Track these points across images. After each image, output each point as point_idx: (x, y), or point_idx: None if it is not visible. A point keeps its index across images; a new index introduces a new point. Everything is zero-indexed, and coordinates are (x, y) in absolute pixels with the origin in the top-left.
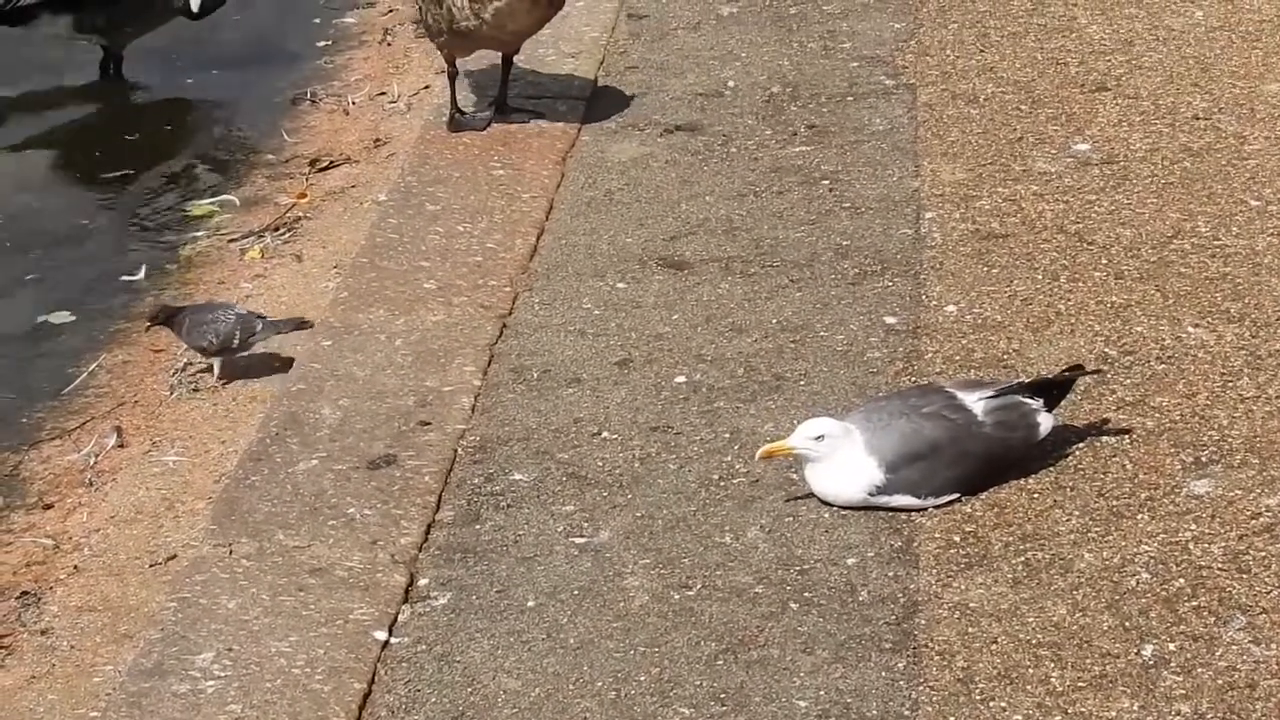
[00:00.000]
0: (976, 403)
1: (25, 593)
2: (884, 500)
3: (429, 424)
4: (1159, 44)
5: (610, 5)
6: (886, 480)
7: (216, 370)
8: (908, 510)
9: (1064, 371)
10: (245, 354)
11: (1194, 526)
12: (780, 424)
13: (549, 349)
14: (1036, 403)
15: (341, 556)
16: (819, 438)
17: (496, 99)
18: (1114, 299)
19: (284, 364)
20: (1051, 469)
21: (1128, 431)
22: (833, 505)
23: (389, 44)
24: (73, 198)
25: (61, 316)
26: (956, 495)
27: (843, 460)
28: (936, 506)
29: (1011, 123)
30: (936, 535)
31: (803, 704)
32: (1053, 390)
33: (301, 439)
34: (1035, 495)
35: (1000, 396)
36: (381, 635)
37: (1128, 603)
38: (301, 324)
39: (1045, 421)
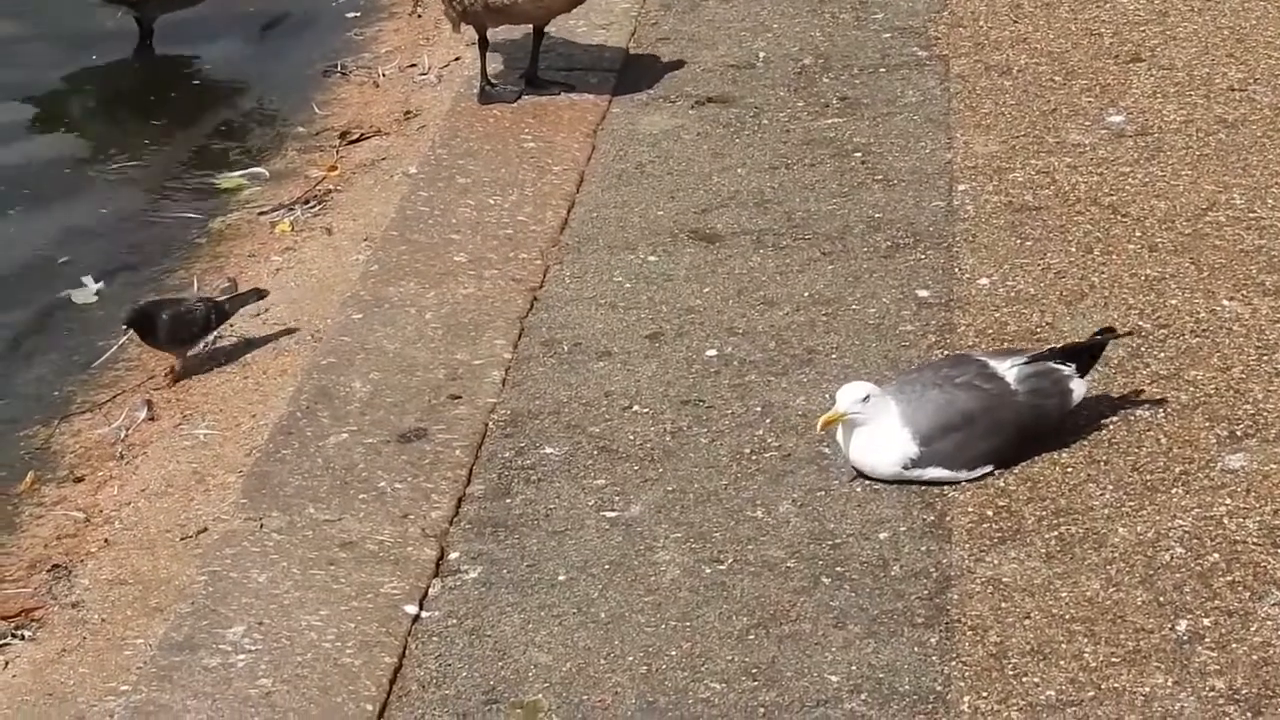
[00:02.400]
0: (1009, 370)
1: (56, 566)
2: (917, 474)
3: (459, 397)
4: (1194, 14)
5: None
6: (920, 453)
7: (179, 365)
8: (941, 483)
9: (1095, 335)
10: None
11: (1229, 501)
12: (812, 397)
13: (580, 322)
14: (1069, 368)
15: (372, 530)
16: (865, 399)
17: (527, 71)
18: (1148, 272)
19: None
20: (1085, 443)
21: (1162, 405)
22: (868, 478)
23: (419, 15)
24: (102, 171)
25: (90, 290)
26: (990, 468)
27: (877, 432)
28: (970, 480)
29: (1045, 94)
30: (969, 510)
31: (834, 679)
32: (1084, 355)
33: (332, 412)
34: (1069, 469)
35: (1033, 364)
36: (412, 609)
37: (1162, 578)
38: (260, 293)
39: (1079, 387)
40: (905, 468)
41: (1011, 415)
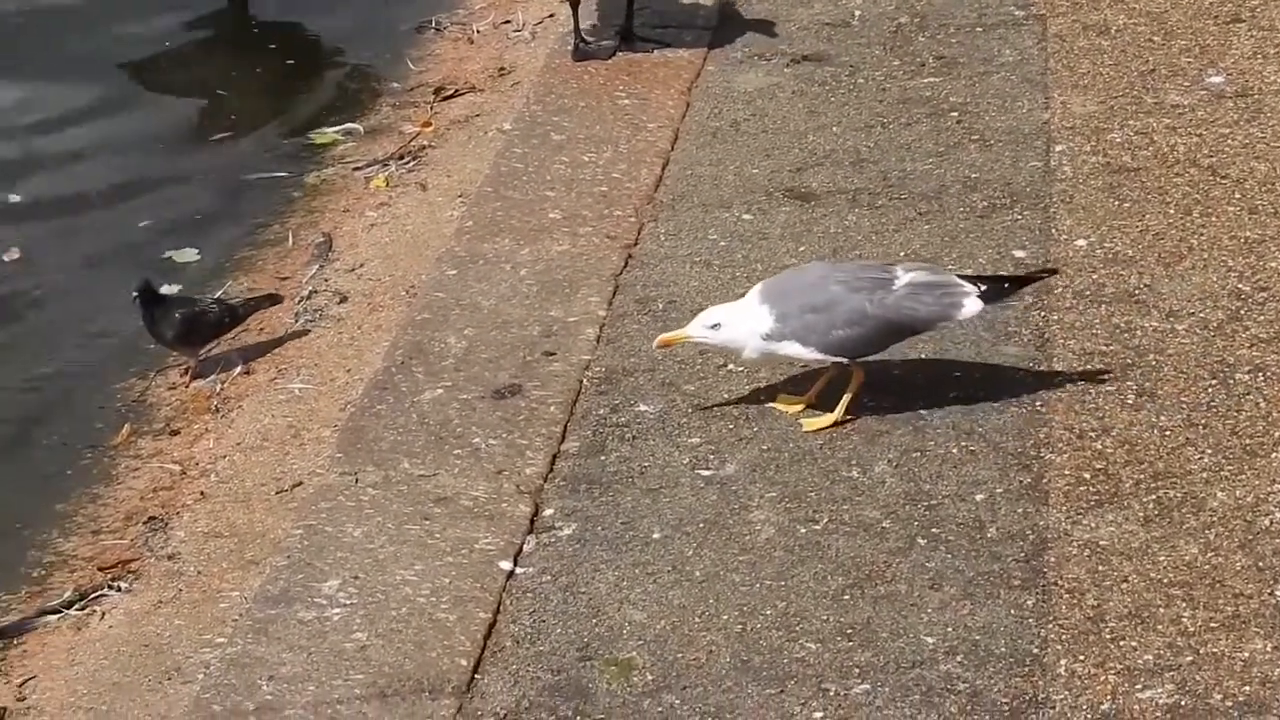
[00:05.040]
0: (904, 274)
1: (152, 518)
2: (774, 347)
3: (554, 354)
4: None
5: None
6: (774, 327)
7: (194, 366)
8: (800, 360)
9: (1029, 272)
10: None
11: None
12: (907, 355)
13: (674, 280)
14: (969, 286)
15: (467, 486)
16: (715, 326)
17: (622, 28)
18: (1247, 234)
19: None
20: (1183, 406)
21: (1261, 369)
22: (755, 364)
23: None
24: (198, 128)
25: (188, 254)
26: (844, 359)
27: (746, 322)
28: (827, 361)
29: (1143, 54)
30: (1066, 472)
31: (930, 640)
32: (1004, 284)
33: (427, 368)
34: (1166, 433)
35: (932, 275)
36: (506, 565)
37: (1261, 542)
38: (274, 299)
39: (971, 305)
40: (764, 339)
41: (877, 310)
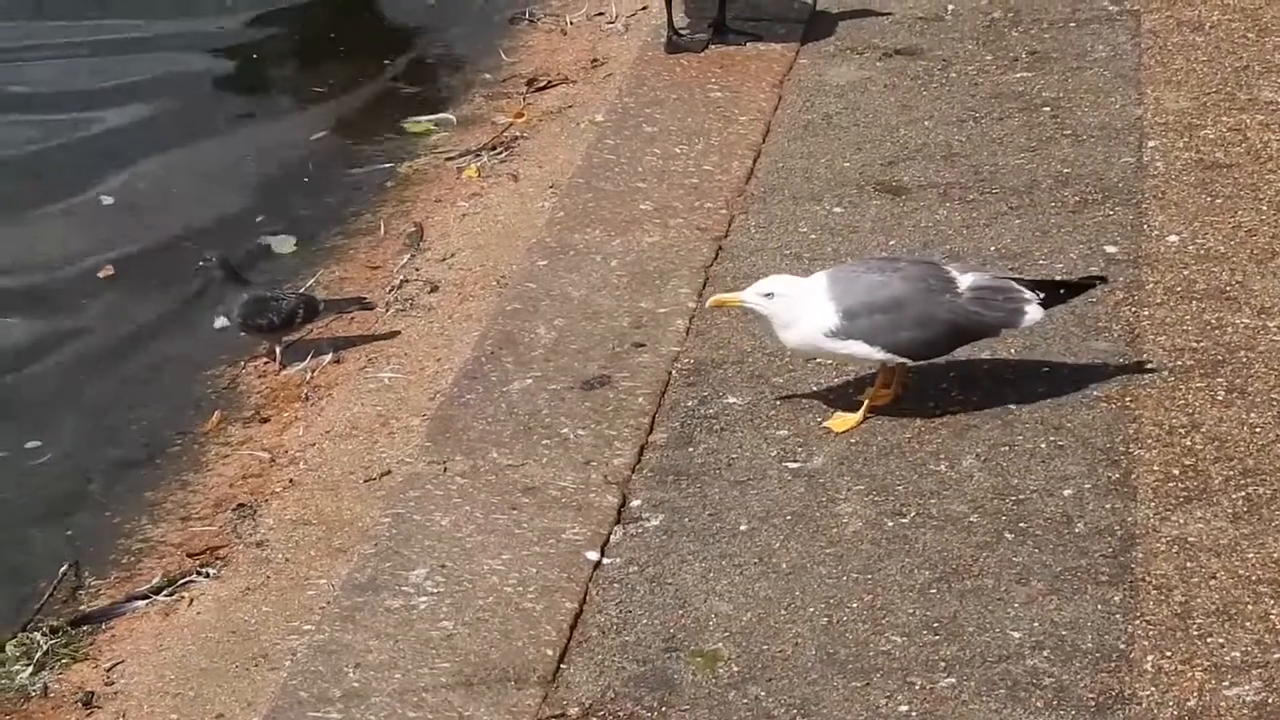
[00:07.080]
0: (965, 276)
1: (241, 505)
2: (838, 345)
3: (643, 345)
4: None
5: None
6: (841, 325)
7: (278, 354)
8: (861, 360)
9: (1081, 278)
10: (301, 335)
11: None
12: (996, 351)
13: (764, 272)
14: (1031, 294)
15: (554, 476)
16: (768, 295)
17: (714, 20)
18: None
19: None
20: (1274, 402)
21: None
22: (797, 352)
23: None
24: (293, 115)
25: (285, 242)
26: (907, 360)
27: (804, 307)
28: (891, 363)
29: (1238, 50)
30: (1155, 468)
31: (1016, 635)
32: (1060, 290)
33: (516, 358)
34: (1256, 429)
35: (995, 279)
36: (593, 555)
37: None
38: (363, 304)
39: (1033, 312)
40: (826, 336)
41: (946, 314)
